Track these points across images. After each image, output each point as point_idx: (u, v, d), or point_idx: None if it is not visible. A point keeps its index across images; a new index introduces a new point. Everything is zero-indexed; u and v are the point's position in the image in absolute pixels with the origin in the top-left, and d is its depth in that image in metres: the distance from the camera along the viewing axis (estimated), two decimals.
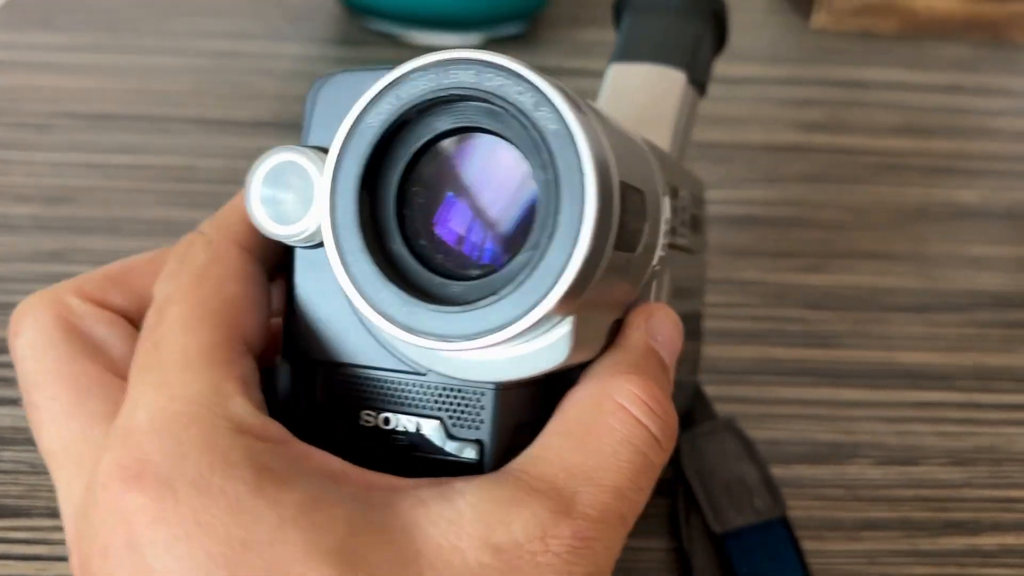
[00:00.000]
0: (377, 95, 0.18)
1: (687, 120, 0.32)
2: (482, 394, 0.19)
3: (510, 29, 0.66)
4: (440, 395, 0.20)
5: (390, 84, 0.18)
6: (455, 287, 0.18)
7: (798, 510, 0.34)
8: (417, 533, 0.17)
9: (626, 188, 0.18)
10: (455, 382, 0.20)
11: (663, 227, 0.22)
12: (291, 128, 0.54)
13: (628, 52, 0.32)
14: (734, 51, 0.67)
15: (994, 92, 0.66)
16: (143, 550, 0.16)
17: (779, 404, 0.38)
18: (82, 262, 0.41)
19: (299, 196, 0.19)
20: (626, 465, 0.19)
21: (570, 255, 0.17)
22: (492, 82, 0.17)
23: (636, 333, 0.21)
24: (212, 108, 0.55)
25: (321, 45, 0.64)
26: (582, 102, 0.18)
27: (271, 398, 0.20)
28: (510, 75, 0.17)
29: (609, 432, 0.19)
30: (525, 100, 0.17)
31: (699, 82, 0.33)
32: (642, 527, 0.32)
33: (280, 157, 0.19)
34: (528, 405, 0.20)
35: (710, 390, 0.38)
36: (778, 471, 0.35)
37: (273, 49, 0.62)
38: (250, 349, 0.20)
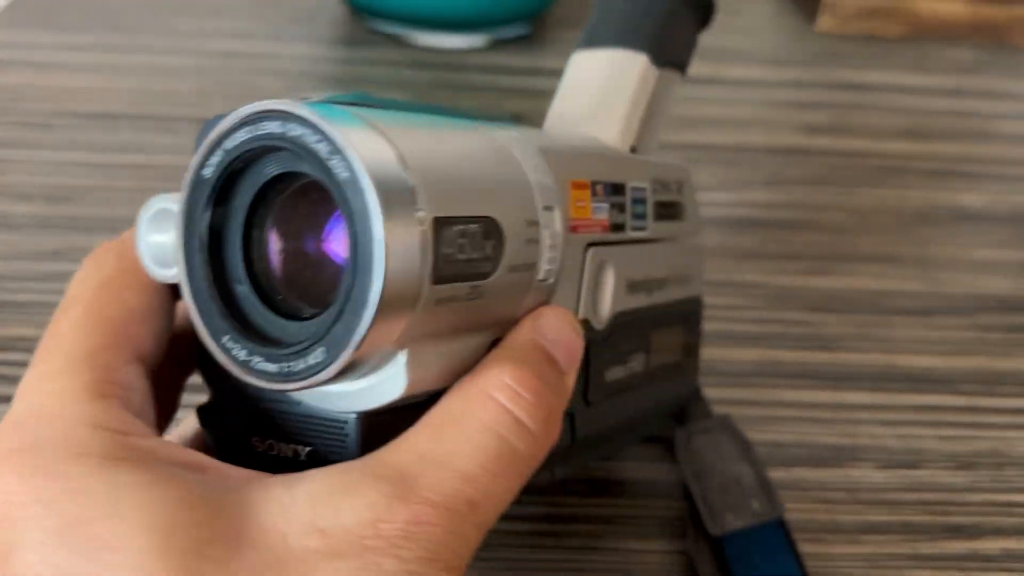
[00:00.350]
0: (208, 148, 0.19)
1: (652, 104, 0.30)
2: (344, 423, 0.20)
3: (514, 30, 0.66)
4: (310, 424, 0.20)
5: (218, 137, 0.19)
6: (291, 327, 0.19)
7: (799, 513, 0.33)
8: (248, 514, 0.18)
9: (445, 222, 0.18)
10: (321, 411, 0.20)
11: (547, 240, 0.22)
12: None
13: (589, 38, 0.31)
14: (739, 53, 0.68)
15: (998, 96, 0.66)
16: None
17: (781, 407, 0.38)
18: None
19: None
20: (481, 451, 0.19)
21: (365, 304, 0.17)
22: (294, 132, 0.18)
23: (520, 332, 0.22)
24: (215, 108, 0.55)
25: (325, 46, 0.64)
26: (391, 148, 0.18)
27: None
28: (306, 125, 0.18)
29: (470, 419, 0.20)
30: (321, 148, 0.18)
31: (672, 62, 0.31)
32: (643, 528, 0.32)
33: (159, 204, 0.21)
34: (401, 426, 0.20)
35: (712, 392, 0.38)
36: (779, 474, 0.35)
37: (277, 49, 0.63)
38: (139, 357, 0.21)
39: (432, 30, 0.64)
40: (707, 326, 0.42)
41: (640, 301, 0.27)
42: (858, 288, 0.45)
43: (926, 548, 0.33)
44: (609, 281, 0.26)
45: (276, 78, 0.59)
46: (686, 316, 0.31)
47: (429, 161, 0.19)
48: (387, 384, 0.19)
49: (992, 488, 0.35)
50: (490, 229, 0.20)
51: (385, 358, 0.19)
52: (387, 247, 0.17)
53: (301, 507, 0.18)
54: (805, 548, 0.32)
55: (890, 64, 0.68)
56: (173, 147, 0.51)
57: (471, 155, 0.21)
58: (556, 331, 0.22)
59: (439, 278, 0.18)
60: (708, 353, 0.40)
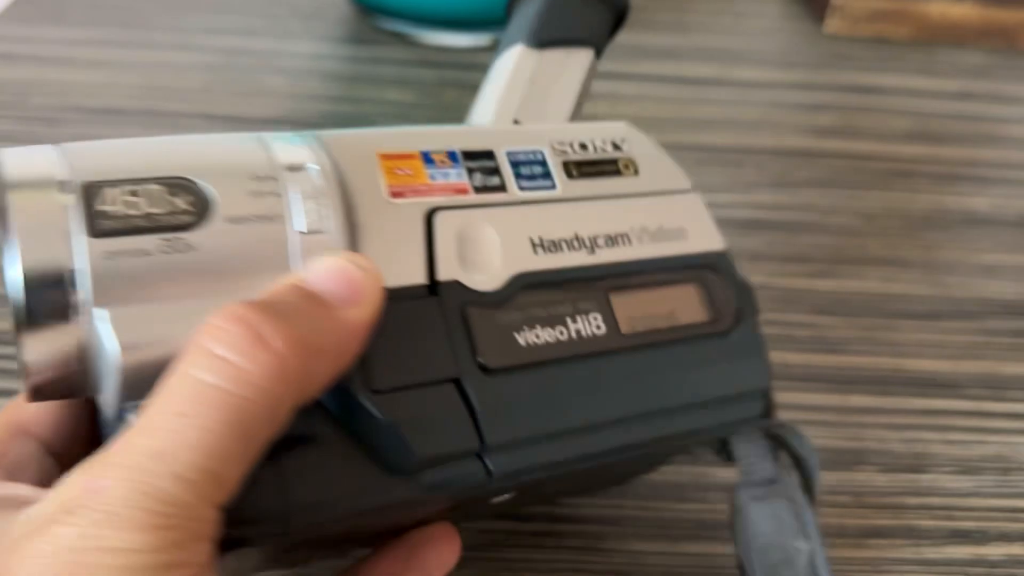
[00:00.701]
0: None
1: (536, 81, 0.31)
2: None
3: None
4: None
5: None
6: None
7: None
8: None
9: (98, 185, 0.21)
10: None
11: (295, 194, 0.23)
12: (301, 126, 0.53)
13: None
14: (746, 55, 0.67)
15: (1006, 99, 0.65)
16: None
17: (786, 409, 0.38)
18: None
19: None
20: (170, 397, 0.19)
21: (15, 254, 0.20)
22: None
23: (277, 281, 0.22)
24: (222, 104, 0.55)
25: (332, 44, 0.64)
26: (54, 150, 0.21)
27: None
28: None
29: (171, 372, 0.19)
30: None
31: (557, 41, 0.33)
32: (645, 530, 0.32)
33: None
34: None
35: None
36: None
37: (284, 47, 0.62)
38: (25, 433, 0.24)
39: (439, 29, 0.64)
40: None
41: (566, 260, 0.27)
42: (865, 291, 0.45)
43: (931, 553, 0.33)
44: (487, 241, 0.26)
45: (283, 75, 0.59)
46: (698, 274, 0.29)
47: (96, 151, 0.22)
48: (105, 351, 0.20)
49: (997, 493, 0.35)
50: (180, 186, 0.21)
51: (89, 320, 0.20)
52: (16, 207, 0.20)
53: (34, 510, 0.19)
54: None
55: (899, 67, 0.67)
56: None
57: (161, 141, 0.23)
58: (322, 269, 0.22)
59: (98, 232, 0.20)
60: None
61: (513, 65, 0.31)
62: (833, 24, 0.71)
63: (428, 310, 0.24)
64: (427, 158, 0.26)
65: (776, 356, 0.40)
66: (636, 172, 0.29)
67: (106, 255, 0.20)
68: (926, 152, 0.57)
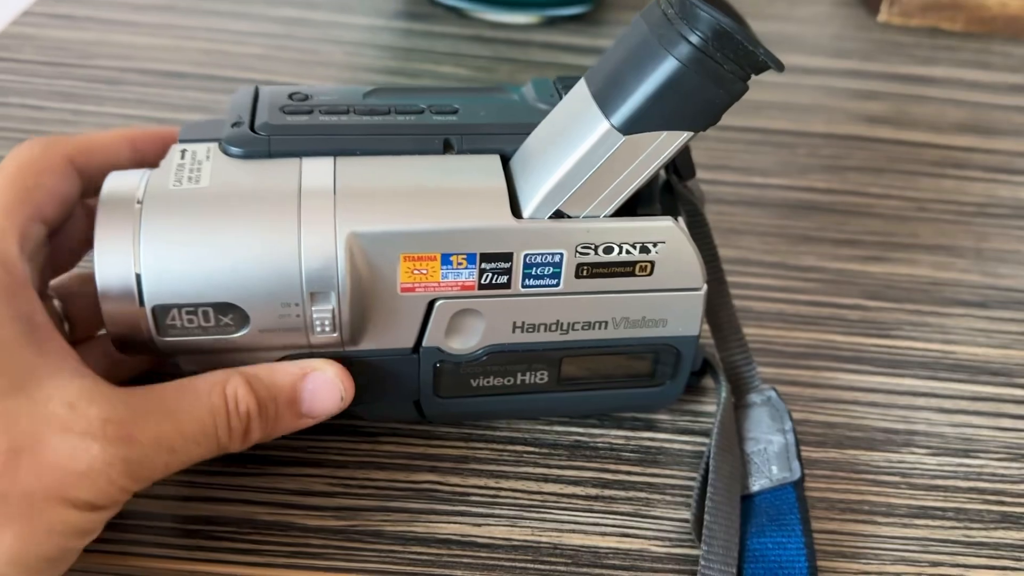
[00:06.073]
0: None
1: (609, 168, 0.28)
2: None
3: (573, 9, 0.66)
4: None
5: None
6: None
7: (852, 494, 0.34)
8: (35, 374, 0.25)
9: (164, 308, 0.28)
10: None
11: (312, 314, 0.29)
12: None
13: (590, 75, 0.30)
14: (801, 41, 0.67)
15: None
16: None
17: (836, 389, 0.38)
18: None
19: None
20: (192, 421, 0.27)
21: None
22: None
23: (289, 371, 0.29)
24: (280, 72, 0.56)
25: (387, 17, 0.64)
26: (134, 263, 0.28)
27: None
28: None
29: (194, 390, 0.28)
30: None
31: (655, 127, 0.28)
32: (690, 497, 0.32)
33: None
34: None
35: (767, 370, 0.38)
36: (833, 454, 0.35)
37: (340, 19, 0.63)
38: (43, 220, 0.29)
39: (492, 6, 0.64)
40: (763, 306, 0.42)
41: (539, 338, 0.31)
42: (916, 276, 0.45)
43: (980, 536, 0.33)
44: (474, 323, 0.31)
45: (338, 47, 0.59)
46: (656, 349, 0.33)
47: (170, 274, 0.27)
48: None
49: None
50: (226, 307, 0.28)
51: None
52: (110, 319, 0.28)
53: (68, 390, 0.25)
54: (857, 528, 0.32)
55: (952, 58, 0.67)
56: None
57: (224, 268, 0.27)
58: (318, 392, 0.29)
59: (164, 334, 0.28)
60: (764, 332, 0.40)
61: (588, 146, 0.28)
62: (887, 14, 0.71)
63: (409, 363, 0.31)
64: (445, 259, 0.29)
65: (825, 337, 0.40)
66: (651, 272, 0.31)
67: (168, 345, 0.28)
68: (978, 143, 0.57)
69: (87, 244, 0.32)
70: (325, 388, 0.29)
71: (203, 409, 0.27)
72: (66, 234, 0.31)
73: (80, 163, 0.30)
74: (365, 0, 0.66)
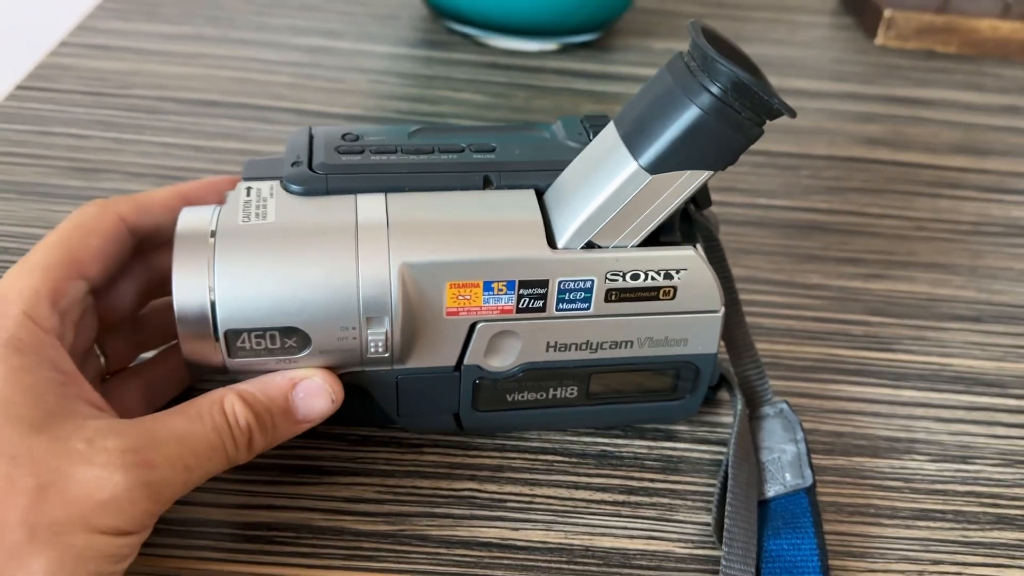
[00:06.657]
0: None
1: (636, 204, 0.31)
2: None
3: (584, 36, 0.69)
4: None
5: None
6: None
7: (859, 498, 0.36)
8: (58, 414, 0.27)
9: (235, 332, 0.31)
10: None
11: (368, 337, 0.32)
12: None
13: (620, 118, 0.32)
14: (801, 65, 0.70)
15: None
16: None
17: (842, 400, 0.41)
18: None
19: None
20: (197, 436, 0.29)
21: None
22: None
23: (280, 382, 0.31)
24: (308, 100, 0.59)
25: (407, 45, 0.67)
26: (208, 291, 0.31)
27: None
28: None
29: (196, 407, 0.30)
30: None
31: (679, 166, 0.31)
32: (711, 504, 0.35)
33: None
34: None
35: (778, 383, 0.41)
36: (841, 461, 0.38)
37: (363, 47, 0.66)
38: (84, 277, 0.31)
39: (507, 35, 0.67)
40: (773, 322, 0.45)
41: (570, 356, 0.34)
42: (914, 293, 0.48)
43: (977, 536, 0.35)
44: (511, 343, 0.34)
45: (363, 75, 0.62)
46: (678, 366, 0.36)
47: (240, 301, 0.30)
48: None
49: None
50: (290, 331, 0.31)
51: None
52: (186, 342, 0.31)
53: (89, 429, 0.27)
54: (864, 530, 0.35)
55: (947, 80, 0.70)
56: (274, 136, 0.54)
57: (290, 296, 0.30)
58: (309, 398, 0.32)
59: (233, 355, 0.31)
60: (774, 347, 0.43)
61: (618, 184, 0.31)
62: (884, 37, 0.74)
63: (451, 380, 0.34)
64: (487, 286, 0.32)
65: (832, 351, 0.43)
66: (673, 296, 0.34)
67: (237, 365, 0.31)
68: (972, 163, 0.60)
69: (141, 296, 0.35)
70: (315, 393, 0.32)
71: (208, 428, 0.29)
72: (118, 289, 0.34)
73: (133, 222, 0.33)
74: (387, 29, 0.69)
